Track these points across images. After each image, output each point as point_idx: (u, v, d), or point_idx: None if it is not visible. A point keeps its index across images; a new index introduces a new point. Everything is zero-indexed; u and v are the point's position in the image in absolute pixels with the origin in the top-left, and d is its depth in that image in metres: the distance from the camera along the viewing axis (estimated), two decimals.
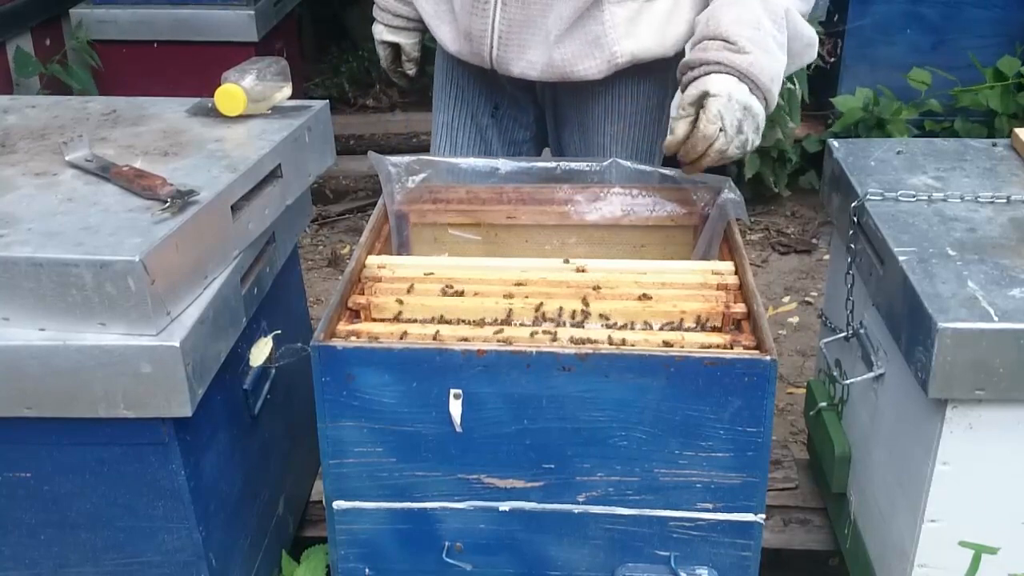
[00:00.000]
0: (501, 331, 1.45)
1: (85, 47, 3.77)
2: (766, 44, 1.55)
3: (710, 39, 1.58)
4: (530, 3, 1.83)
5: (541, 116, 2.12)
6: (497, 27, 1.87)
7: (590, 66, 1.86)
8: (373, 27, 2.16)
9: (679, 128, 1.57)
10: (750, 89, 1.57)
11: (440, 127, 2.16)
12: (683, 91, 1.65)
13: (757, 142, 1.60)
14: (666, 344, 1.42)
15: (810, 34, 1.68)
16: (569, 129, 2.05)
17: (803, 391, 2.18)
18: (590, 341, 1.41)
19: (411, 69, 2.17)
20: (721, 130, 1.52)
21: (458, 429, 1.39)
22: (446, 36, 1.98)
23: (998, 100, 3.68)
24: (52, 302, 1.35)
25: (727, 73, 1.55)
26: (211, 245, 1.50)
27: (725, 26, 1.56)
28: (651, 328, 1.48)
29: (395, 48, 2.15)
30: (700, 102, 1.58)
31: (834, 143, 1.89)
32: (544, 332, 1.44)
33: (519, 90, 2.03)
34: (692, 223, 1.78)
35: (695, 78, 1.59)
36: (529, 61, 1.88)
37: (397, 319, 1.51)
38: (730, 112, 1.54)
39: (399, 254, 1.80)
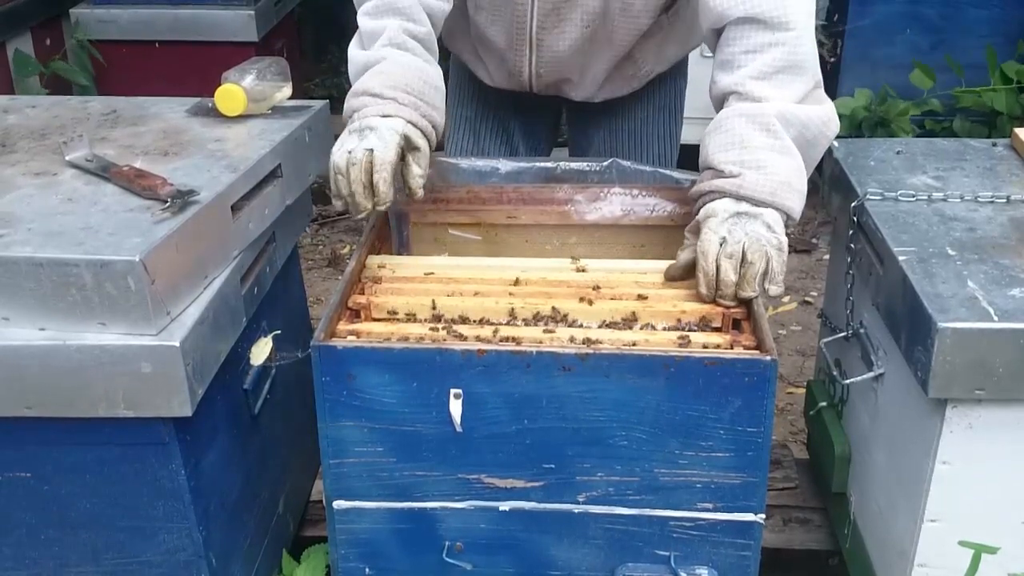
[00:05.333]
0: (501, 331, 1.45)
1: (87, 46, 3.78)
2: (758, 160, 1.49)
3: (705, 168, 1.56)
4: (564, 67, 1.91)
5: (560, 110, 2.16)
6: (534, 69, 1.91)
7: (625, 91, 2.01)
8: (363, 115, 1.54)
9: (682, 255, 1.53)
10: (750, 206, 1.50)
11: (462, 121, 2.16)
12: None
13: (779, 240, 1.48)
14: (667, 344, 1.42)
15: (820, 114, 1.56)
16: (595, 124, 2.11)
17: (803, 391, 2.18)
18: (590, 341, 1.41)
19: (420, 184, 1.58)
20: (723, 241, 1.46)
21: (458, 429, 1.39)
22: (483, 75, 2.04)
23: (1003, 101, 3.67)
24: (52, 302, 1.35)
25: (721, 197, 1.51)
26: (211, 245, 1.50)
27: (712, 155, 1.53)
28: (651, 328, 1.48)
29: (398, 150, 1.52)
30: (699, 228, 1.54)
31: (834, 143, 1.88)
32: (544, 332, 1.44)
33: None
34: None
35: (697, 210, 1.55)
36: (566, 92, 1.99)
37: (397, 319, 1.51)
38: (724, 225, 1.48)
39: (399, 254, 1.80)
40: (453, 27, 1.98)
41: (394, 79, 1.55)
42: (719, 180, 1.51)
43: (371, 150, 1.49)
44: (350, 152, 1.50)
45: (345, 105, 1.59)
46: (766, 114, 1.51)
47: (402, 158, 1.55)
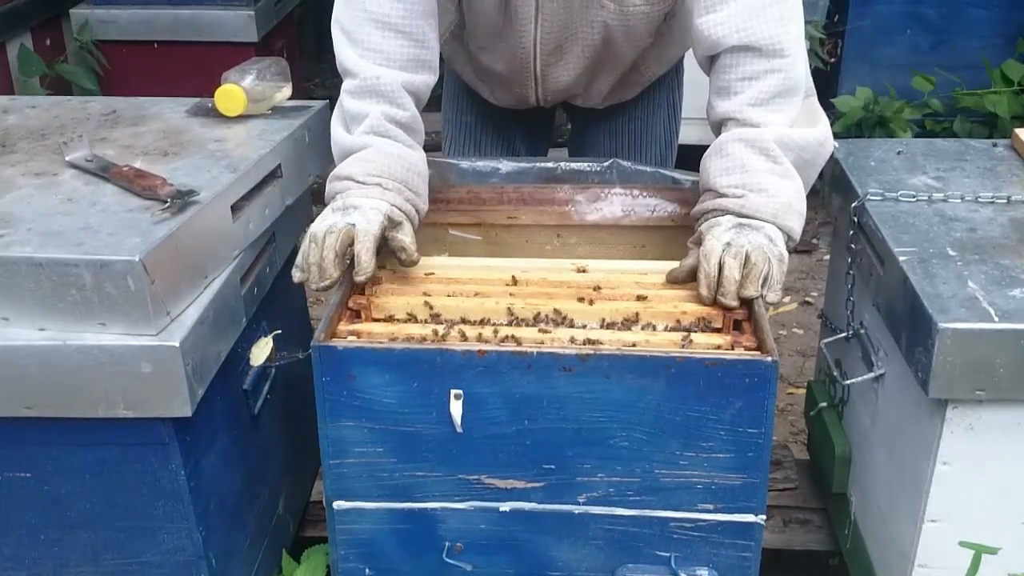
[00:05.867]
0: (502, 331, 1.45)
1: (91, 47, 3.78)
2: (760, 183, 1.51)
3: (706, 191, 1.58)
4: (570, 89, 1.92)
5: (557, 108, 2.17)
6: (540, 95, 1.92)
7: (628, 96, 2.03)
8: (346, 196, 1.53)
9: (686, 261, 1.54)
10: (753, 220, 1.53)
11: (461, 127, 2.16)
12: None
13: (780, 251, 1.48)
14: (668, 344, 1.42)
15: (817, 135, 1.59)
16: (594, 127, 2.11)
17: (803, 391, 2.18)
18: (591, 342, 1.41)
19: (413, 248, 1.54)
20: (727, 246, 1.46)
21: (458, 429, 1.39)
22: (487, 95, 2.04)
23: (1005, 106, 3.66)
24: (52, 302, 1.35)
25: (724, 214, 1.53)
26: (211, 245, 1.50)
27: (713, 178, 1.55)
28: (652, 328, 1.48)
29: (382, 227, 1.50)
30: (701, 240, 1.54)
31: (835, 143, 1.88)
32: (544, 332, 1.44)
33: None
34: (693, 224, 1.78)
35: (699, 227, 1.57)
36: (571, 102, 2.03)
37: (397, 319, 1.50)
38: (728, 232, 1.48)
39: None
40: (453, 55, 1.99)
41: (378, 167, 1.55)
42: (722, 200, 1.53)
43: (353, 224, 1.48)
44: (331, 224, 1.48)
45: (327, 187, 1.59)
46: (765, 139, 1.54)
47: (384, 238, 1.54)
